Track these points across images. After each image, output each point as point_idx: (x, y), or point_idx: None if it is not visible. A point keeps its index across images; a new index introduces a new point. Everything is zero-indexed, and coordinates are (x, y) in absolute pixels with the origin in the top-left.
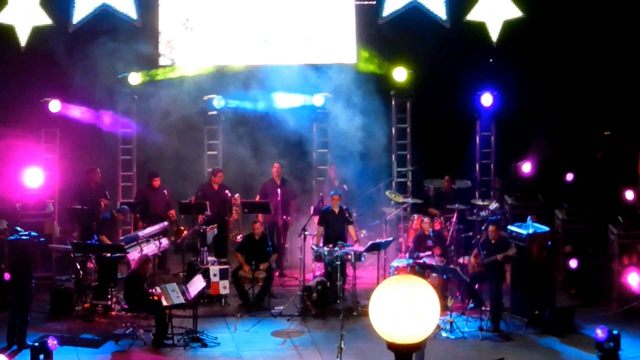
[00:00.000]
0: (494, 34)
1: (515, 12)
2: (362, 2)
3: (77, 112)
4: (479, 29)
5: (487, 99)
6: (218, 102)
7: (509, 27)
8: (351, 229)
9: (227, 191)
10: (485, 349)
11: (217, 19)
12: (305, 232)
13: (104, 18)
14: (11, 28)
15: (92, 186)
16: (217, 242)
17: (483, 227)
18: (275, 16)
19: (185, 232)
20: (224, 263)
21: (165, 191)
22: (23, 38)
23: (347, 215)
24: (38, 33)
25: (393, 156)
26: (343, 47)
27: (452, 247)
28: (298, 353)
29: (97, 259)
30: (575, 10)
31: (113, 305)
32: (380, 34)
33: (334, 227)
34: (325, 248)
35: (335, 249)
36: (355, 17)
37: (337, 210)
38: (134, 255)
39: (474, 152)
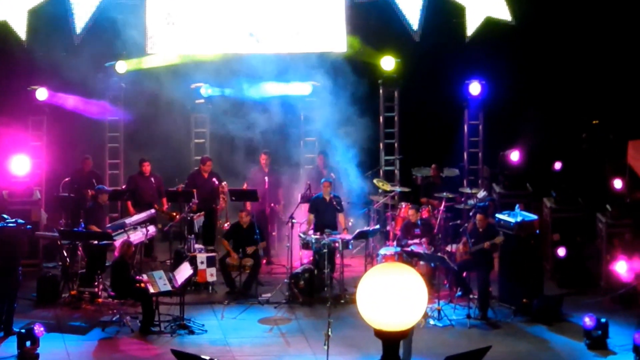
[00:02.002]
0: (473, 24)
1: (501, 11)
2: None
3: (64, 99)
4: (460, 11)
5: (475, 88)
6: (205, 90)
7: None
8: (341, 217)
9: (214, 179)
10: (473, 337)
11: (203, 11)
12: (293, 220)
13: (99, 7)
14: (5, 23)
15: (84, 175)
16: (205, 230)
17: (471, 214)
18: (261, 4)
19: (178, 217)
20: (211, 251)
21: (155, 178)
22: (21, 29)
23: (337, 203)
24: (32, 21)
25: (381, 145)
26: (331, 36)
27: (440, 235)
28: (285, 340)
29: (85, 246)
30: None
31: (100, 292)
32: (367, 23)
33: (325, 215)
34: (313, 236)
35: (323, 236)
36: (345, 5)
37: (327, 198)
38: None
39: (462, 141)
